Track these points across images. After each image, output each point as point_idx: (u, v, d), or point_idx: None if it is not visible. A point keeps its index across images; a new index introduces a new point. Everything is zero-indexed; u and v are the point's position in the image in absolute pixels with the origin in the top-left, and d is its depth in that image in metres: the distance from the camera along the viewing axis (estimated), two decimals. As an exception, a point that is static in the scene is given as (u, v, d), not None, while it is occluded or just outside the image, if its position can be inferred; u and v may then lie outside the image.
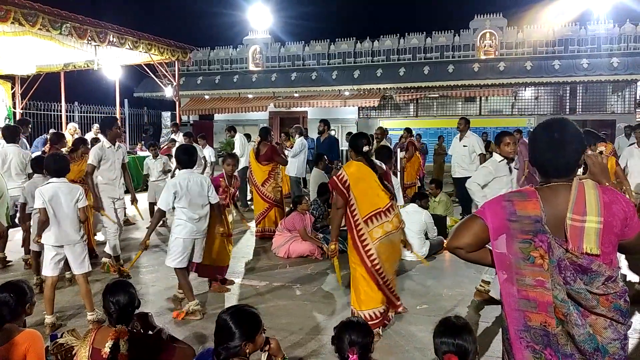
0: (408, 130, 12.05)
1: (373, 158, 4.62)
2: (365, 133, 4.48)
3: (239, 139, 11.68)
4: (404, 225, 4.45)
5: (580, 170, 2.01)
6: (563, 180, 1.95)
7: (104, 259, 6.21)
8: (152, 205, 9.08)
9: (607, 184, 1.99)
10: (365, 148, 4.25)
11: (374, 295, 4.19)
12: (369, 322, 4.07)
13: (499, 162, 5.01)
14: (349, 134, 15.28)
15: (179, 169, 5.02)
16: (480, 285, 5.03)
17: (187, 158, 4.94)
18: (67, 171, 4.66)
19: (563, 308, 1.83)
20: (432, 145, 15.69)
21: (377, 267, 4.13)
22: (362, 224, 4.14)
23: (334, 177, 4.28)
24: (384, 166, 4.69)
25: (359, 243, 4.16)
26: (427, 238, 6.87)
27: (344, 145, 16.08)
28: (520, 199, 1.93)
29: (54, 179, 4.46)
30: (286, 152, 9.54)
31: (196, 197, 4.80)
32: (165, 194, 4.77)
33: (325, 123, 10.50)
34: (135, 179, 12.49)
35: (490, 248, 1.99)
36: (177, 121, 14.41)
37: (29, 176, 6.39)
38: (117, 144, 6.23)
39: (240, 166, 11.28)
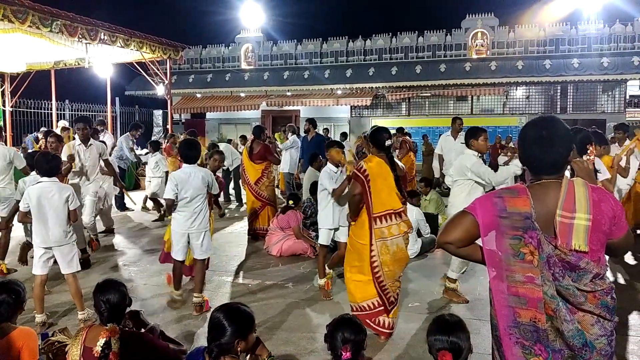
0: (400, 130, 12.09)
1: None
2: (386, 128, 4.33)
3: (224, 147, 11.71)
4: (411, 232, 4.30)
5: (567, 175, 2.03)
6: (553, 177, 1.97)
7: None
8: (148, 198, 9.93)
9: None
10: (388, 142, 4.15)
11: (367, 287, 4.13)
12: (369, 312, 4.10)
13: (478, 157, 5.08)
14: (343, 133, 15.28)
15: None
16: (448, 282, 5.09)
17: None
18: (58, 171, 4.64)
19: (552, 304, 1.85)
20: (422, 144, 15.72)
21: (375, 264, 4.07)
22: (372, 220, 4.08)
23: (355, 170, 4.18)
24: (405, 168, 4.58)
25: (367, 238, 4.10)
26: (419, 236, 6.90)
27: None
28: (510, 195, 1.94)
29: (45, 179, 4.42)
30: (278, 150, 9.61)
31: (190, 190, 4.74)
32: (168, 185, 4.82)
33: (310, 122, 10.46)
34: (126, 178, 12.45)
35: (480, 244, 2.01)
36: (170, 121, 14.31)
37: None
38: (89, 142, 6.74)
39: (234, 166, 11.34)
